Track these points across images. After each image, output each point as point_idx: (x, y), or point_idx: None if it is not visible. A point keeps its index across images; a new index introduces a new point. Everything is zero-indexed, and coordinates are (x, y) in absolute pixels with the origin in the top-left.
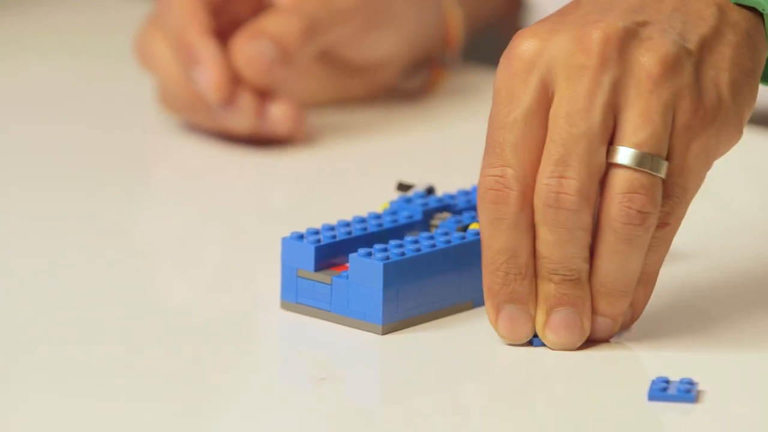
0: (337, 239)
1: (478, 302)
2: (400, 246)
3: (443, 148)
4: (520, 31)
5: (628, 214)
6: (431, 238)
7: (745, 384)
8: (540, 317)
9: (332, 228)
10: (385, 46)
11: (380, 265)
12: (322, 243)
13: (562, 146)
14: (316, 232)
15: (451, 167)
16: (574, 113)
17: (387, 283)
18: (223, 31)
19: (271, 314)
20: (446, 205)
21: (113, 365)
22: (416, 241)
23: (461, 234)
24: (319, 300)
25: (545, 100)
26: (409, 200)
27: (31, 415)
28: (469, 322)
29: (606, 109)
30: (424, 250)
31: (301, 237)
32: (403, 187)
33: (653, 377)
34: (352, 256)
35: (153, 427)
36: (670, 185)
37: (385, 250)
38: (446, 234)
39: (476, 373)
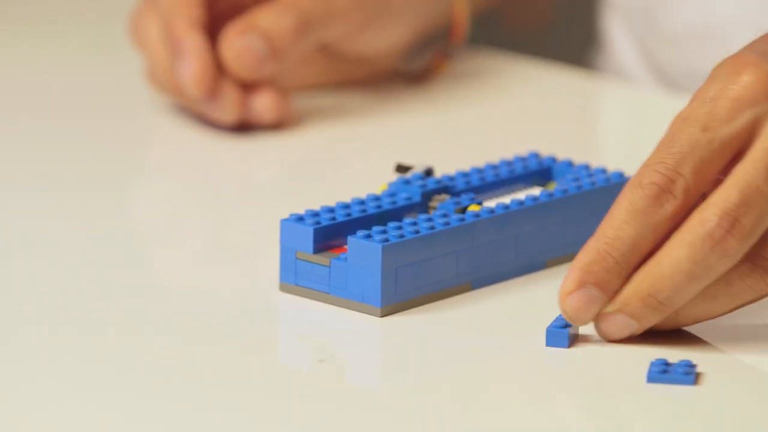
0: (336, 221)
1: (476, 284)
2: (399, 228)
3: (442, 130)
4: (747, 54)
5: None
6: (430, 219)
7: (744, 366)
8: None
9: (331, 210)
10: (385, 40)
11: (379, 247)
12: (320, 225)
13: (748, 194)
14: (316, 214)
15: (449, 149)
16: None
17: (385, 265)
18: (223, 17)
19: (269, 296)
20: (445, 187)
21: (108, 348)
22: (415, 223)
23: (460, 216)
24: (317, 282)
25: (746, 137)
26: (407, 182)
27: (31, 397)
28: (467, 304)
29: None
30: (423, 232)
31: (300, 219)
32: (401, 168)
33: (652, 359)
34: (351, 238)
35: (150, 409)
36: None
37: (384, 232)
38: (445, 216)
39: (475, 355)
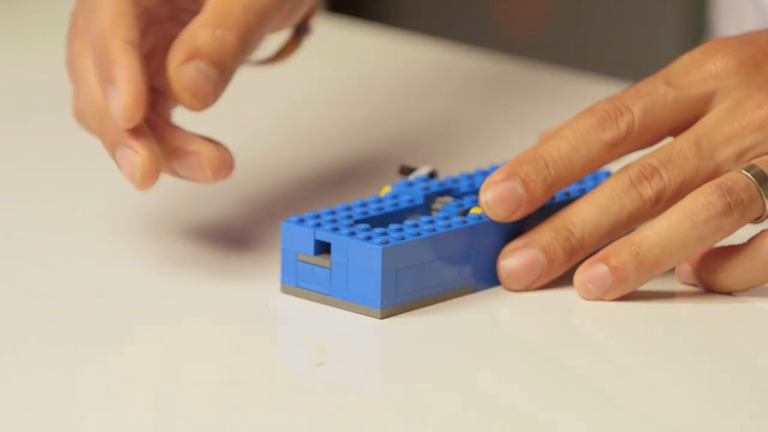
0: (338, 226)
1: (477, 287)
2: (400, 230)
3: (447, 132)
4: (733, 39)
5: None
6: (431, 222)
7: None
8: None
9: (333, 212)
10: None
11: (379, 249)
12: (320, 229)
13: (673, 157)
14: (317, 216)
15: (454, 152)
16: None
17: (386, 268)
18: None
19: (269, 299)
20: (448, 189)
21: (103, 350)
22: (416, 225)
23: (462, 218)
24: (318, 284)
25: (699, 108)
26: (410, 184)
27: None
28: (468, 307)
29: None
30: (424, 234)
31: (301, 221)
32: (405, 170)
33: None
34: (351, 239)
35: (151, 409)
36: None
37: (385, 233)
38: (447, 218)
39: (476, 357)
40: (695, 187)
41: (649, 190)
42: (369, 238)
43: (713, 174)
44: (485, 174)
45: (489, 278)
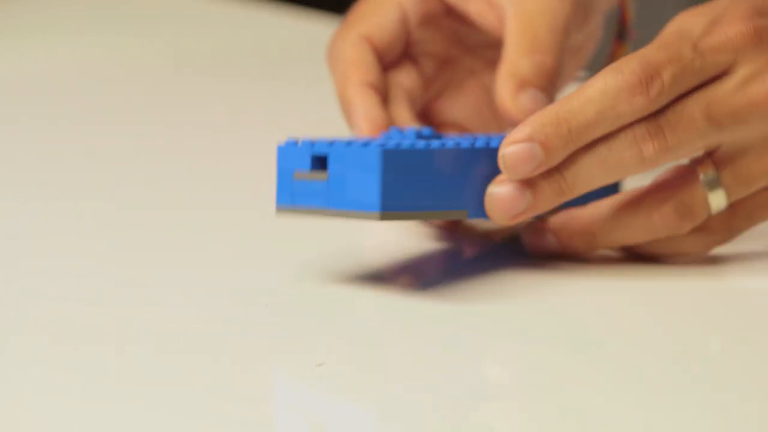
0: (334, 141)
1: (472, 213)
2: (403, 138)
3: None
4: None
5: None
6: (440, 137)
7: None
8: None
9: (331, 139)
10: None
11: (379, 150)
12: (317, 144)
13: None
14: (312, 141)
15: None
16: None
17: (386, 169)
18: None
19: (267, 300)
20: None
21: (104, 349)
22: (421, 135)
23: (472, 141)
24: (315, 198)
25: (718, 74)
26: (401, 132)
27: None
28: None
29: None
30: (432, 146)
31: (295, 143)
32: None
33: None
34: (351, 145)
35: (151, 409)
36: None
37: (383, 144)
38: (454, 139)
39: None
40: (692, 153)
41: (650, 150)
42: (366, 145)
43: (712, 148)
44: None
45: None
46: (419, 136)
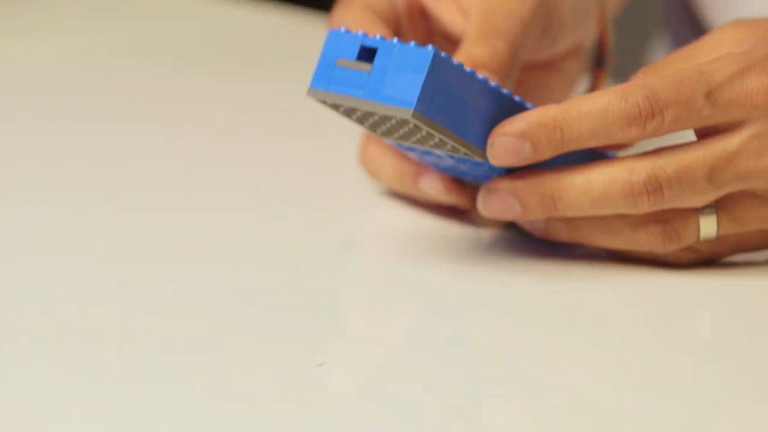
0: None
1: (484, 158)
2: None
3: None
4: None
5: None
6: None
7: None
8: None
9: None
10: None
11: (431, 52)
12: (368, 37)
13: (683, 174)
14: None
15: None
16: None
17: (431, 74)
18: None
19: (266, 301)
20: None
21: (104, 349)
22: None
23: (511, 93)
24: (352, 86)
25: (726, 128)
26: None
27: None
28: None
29: None
30: (479, 77)
31: (348, 31)
32: None
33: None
34: (399, 42)
35: (151, 409)
36: None
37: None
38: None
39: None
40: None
41: (645, 205)
42: (419, 46)
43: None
44: None
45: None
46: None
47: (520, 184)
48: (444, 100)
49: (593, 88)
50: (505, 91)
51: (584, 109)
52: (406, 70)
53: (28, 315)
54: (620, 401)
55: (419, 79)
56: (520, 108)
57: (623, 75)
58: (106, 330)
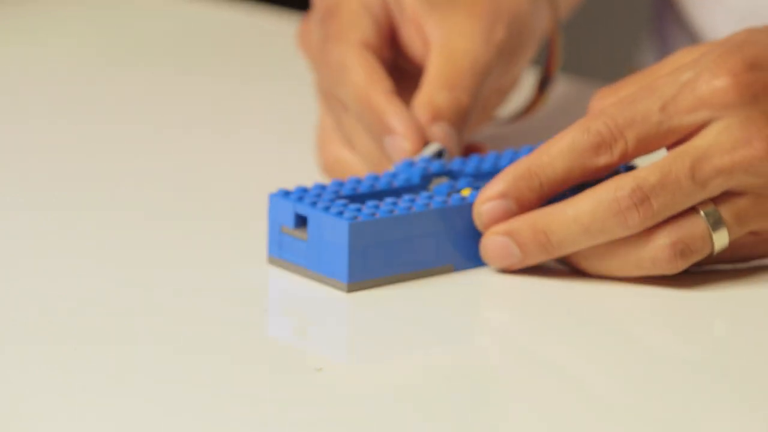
0: (323, 197)
1: (459, 266)
2: (376, 207)
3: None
4: (737, 57)
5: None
6: (412, 200)
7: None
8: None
9: (323, 187)
10: (517, 74)
11: (346, 224)
12: (305, 197)
13: (666, 180)
14: (304, 190)
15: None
16: None
17: (353, 243)
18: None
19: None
20: (449, 171)
21: (104, 349)
22: (395, 203)
23: (444, 198)
24: (298, 256)
25: (692, 132)
26: (411, 164)
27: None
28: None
29: None
30: (400, 212)
31: (286, 194)
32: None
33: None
34: (323, 213)
35: (151, 409)
36: None
37: (359, 209)
38: (431, 197)
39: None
40: (681, 210)
41: (636, 219)
42: (341, 213)
43: (700, 201)
44: (497, 158)
45: (472, 258)
46: (427, 166)
47: (513, 223)
48: (379, 254)
49: (531, 108)
50: (445, 204)
51: (553, 151)
52: (333, 239)
53: (28, 315)
54: (621, 401)
55: (344, 253)
56: (466, 209)
57: (613, 77)
58: (106, 330)
